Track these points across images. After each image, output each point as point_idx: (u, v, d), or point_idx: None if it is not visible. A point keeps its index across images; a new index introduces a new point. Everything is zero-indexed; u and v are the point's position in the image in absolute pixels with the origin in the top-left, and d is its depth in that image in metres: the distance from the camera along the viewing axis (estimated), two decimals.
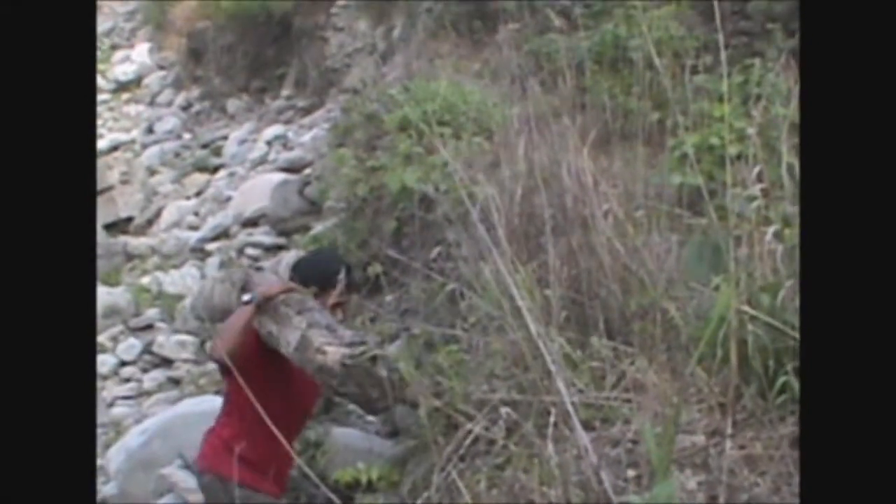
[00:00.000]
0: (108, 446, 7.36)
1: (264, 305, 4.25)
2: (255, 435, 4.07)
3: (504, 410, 3.55)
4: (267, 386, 4.14)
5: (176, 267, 11.70)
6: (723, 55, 3.81)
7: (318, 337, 4.07)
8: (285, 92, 16.44)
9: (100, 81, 22.45)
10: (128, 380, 9.53)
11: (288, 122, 15.46)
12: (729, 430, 3.09)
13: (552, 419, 3.19)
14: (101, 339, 10.12)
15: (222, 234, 12.07)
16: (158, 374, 9.41)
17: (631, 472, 3.11)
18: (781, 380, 3.08)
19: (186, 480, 5.25)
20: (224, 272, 9.74)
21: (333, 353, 4.00)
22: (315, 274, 4.54)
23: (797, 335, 3.05)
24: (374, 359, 4.05)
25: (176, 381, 9.08)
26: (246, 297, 4.26)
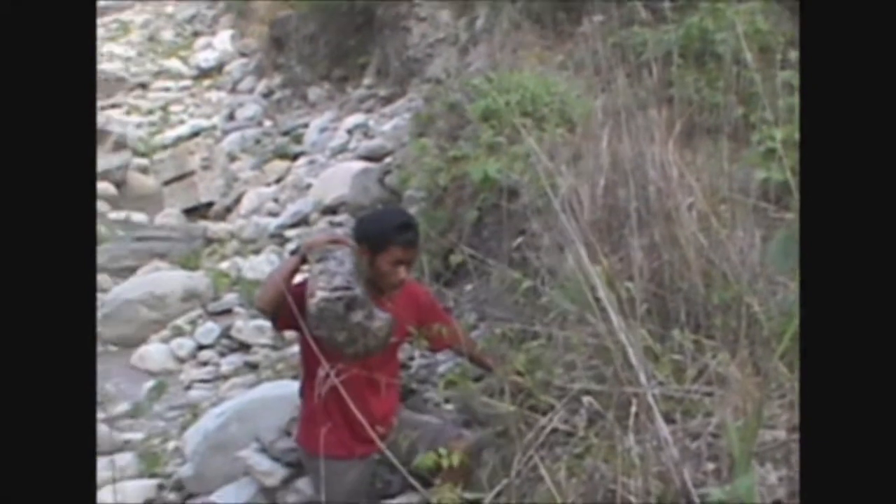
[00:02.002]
0: (184, 428, 7.49)
1: (308, 256, 4.34)
2: (326, 395, 4.06)
3: (586, 399, 3.56)
4: None
5: (255, 253, 11.74)
6: None
7: (317, 282, 4.18)
8: (366, 81, 16.55)
9: (181, 68, 22.87)
10: (205, 363, 9.67)
11: (369, 110, 15.57)
12: None
13: (633, 410, 3.20)
14: (180, 322, 10.33)
15: (302, 220, 12.10)
16: (236, 359, 9.53)
17: (710, 465, 3.10)
18: None
19: (262, 463, 5.31)
20: None
21: (317, 297, 4.12)
22: (365, 233, 4.51)
23: None
24: (350, 305, 4.13)
25: (253, 366, 9.16)
26: (292, 248, 4.31)
